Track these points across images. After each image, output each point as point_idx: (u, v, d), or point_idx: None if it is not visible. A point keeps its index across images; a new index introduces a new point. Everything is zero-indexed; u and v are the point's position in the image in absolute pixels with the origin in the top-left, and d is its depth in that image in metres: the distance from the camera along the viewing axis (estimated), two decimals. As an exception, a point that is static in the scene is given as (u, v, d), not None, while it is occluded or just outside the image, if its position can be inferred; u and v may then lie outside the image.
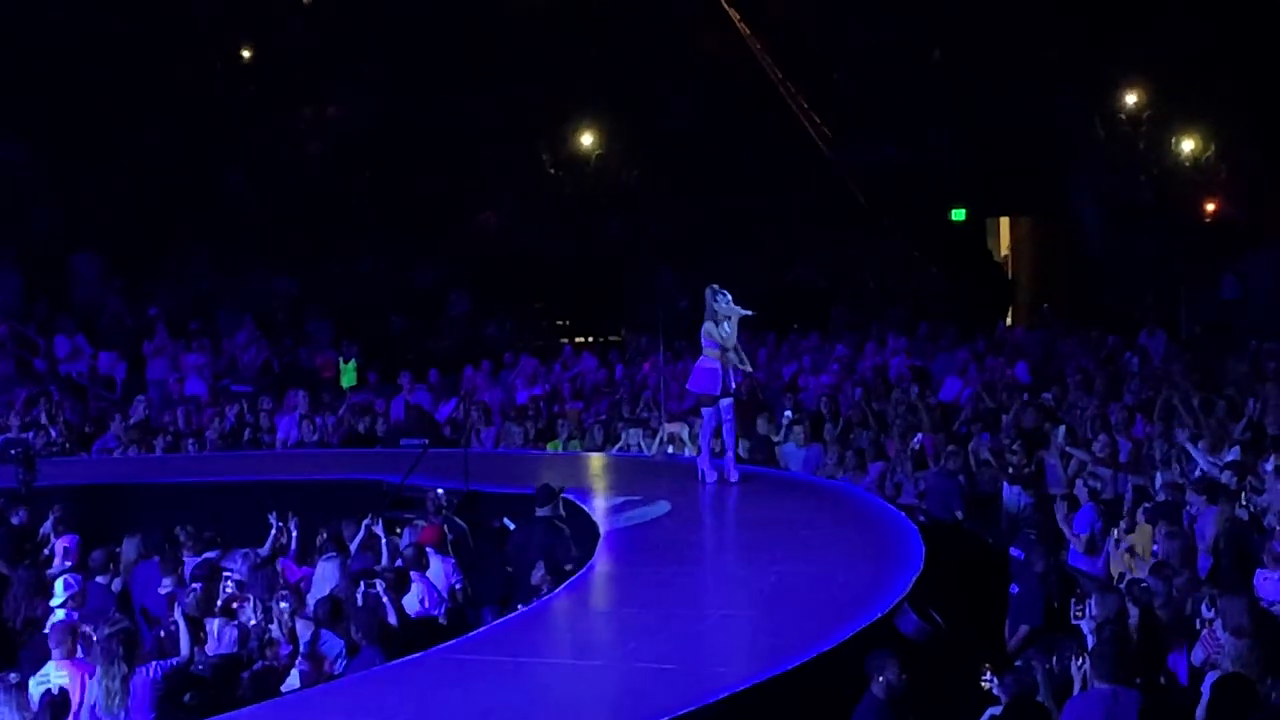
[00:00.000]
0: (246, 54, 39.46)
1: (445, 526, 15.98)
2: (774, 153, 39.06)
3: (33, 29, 33.82)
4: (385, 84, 38.17)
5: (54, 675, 12.31)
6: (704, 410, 17.35)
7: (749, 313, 17.10)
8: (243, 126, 36.96)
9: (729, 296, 16.96)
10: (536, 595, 14.30)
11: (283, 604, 13.78)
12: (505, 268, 37.00)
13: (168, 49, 37.92)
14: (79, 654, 12.52)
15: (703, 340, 17.11)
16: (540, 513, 15.84)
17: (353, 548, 16.09)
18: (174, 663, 12.24)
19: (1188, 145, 37.59)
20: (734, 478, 17.33)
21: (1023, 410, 21.46)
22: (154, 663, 12.00)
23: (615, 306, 35.99)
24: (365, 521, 16.42)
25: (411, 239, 36.45)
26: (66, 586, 14.42)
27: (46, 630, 13.12)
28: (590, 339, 35.24)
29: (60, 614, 14.01)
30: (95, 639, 12.41)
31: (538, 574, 14.77)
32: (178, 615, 12.78)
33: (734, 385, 17.33)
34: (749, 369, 18.22)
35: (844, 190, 40.15)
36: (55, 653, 12.52)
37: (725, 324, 16.89)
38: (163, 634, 13.48)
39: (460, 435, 23.00)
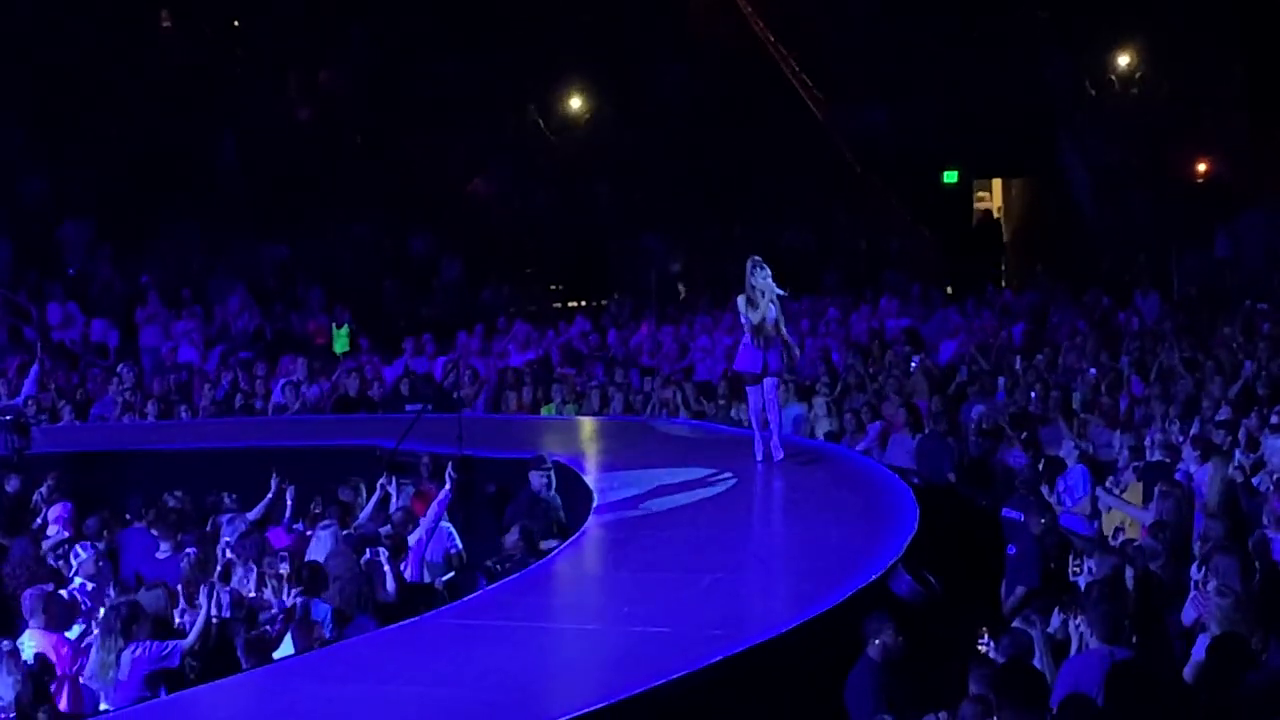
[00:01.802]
0: (236, 21, 39.32)
1: (450, 489, 15.92)
2: (765, 117, 38.99)
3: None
4: (376, 50, 38.07)
5: (28, 644, 12.29)
6: (747, 389, 16.73)
7: (783, 292, 16.46)
8: (232, 93, 36.85)
9: (769, 272, 16.08)
10: (510, 560, 14.42)
11: (283, 568, 13.79)
12: (497, 234, 36.95)
13: (156, 14, 37.87)
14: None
15: (742, 317, 16.37)
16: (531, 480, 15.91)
17: (368, 509, 16.18)
18: (172, 646, 11.99)
19: (1178, 105, 37.54)
20: (778, 456, 16.55)
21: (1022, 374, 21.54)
22: (150, 642, 11.88)
23: (607, 271, 35.92)
24: (380, 480, 16.51)
25: (402, 206, 36.37)
26: (76, 555, 14.41)
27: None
28: (583, 303, 35.20)
29: (78, 582, 13.96)
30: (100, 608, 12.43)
31: (511, 538, 14.83)
32: (202, 598, 12.36)
33: (775, 364, 16.40)
34: (796, 352, 17.30)
35: (836, 154, 40.11)
36: (31, 621, 12.50)
37: (761, 301, 16.07)
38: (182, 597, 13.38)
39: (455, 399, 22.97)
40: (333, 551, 14.10)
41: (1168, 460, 15.90)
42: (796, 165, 38.52)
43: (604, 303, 33.75)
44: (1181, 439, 16.75)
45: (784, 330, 16.42)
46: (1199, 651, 10.46)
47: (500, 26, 38.06)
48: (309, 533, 15.46)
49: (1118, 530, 15.01)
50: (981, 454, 18.71)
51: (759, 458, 16.60)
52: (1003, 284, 36.60)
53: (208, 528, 16.00)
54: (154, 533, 15.75)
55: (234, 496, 16.70)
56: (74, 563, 14.33)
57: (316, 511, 16.09)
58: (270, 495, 16.53)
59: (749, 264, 16.18)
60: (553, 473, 16.09)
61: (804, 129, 39.93)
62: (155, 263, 32.50)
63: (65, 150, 33.76)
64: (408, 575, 14.66)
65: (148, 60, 36.15)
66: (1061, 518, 15.21)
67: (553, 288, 37.23)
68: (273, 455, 18.70)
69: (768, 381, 16.36)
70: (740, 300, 16.19)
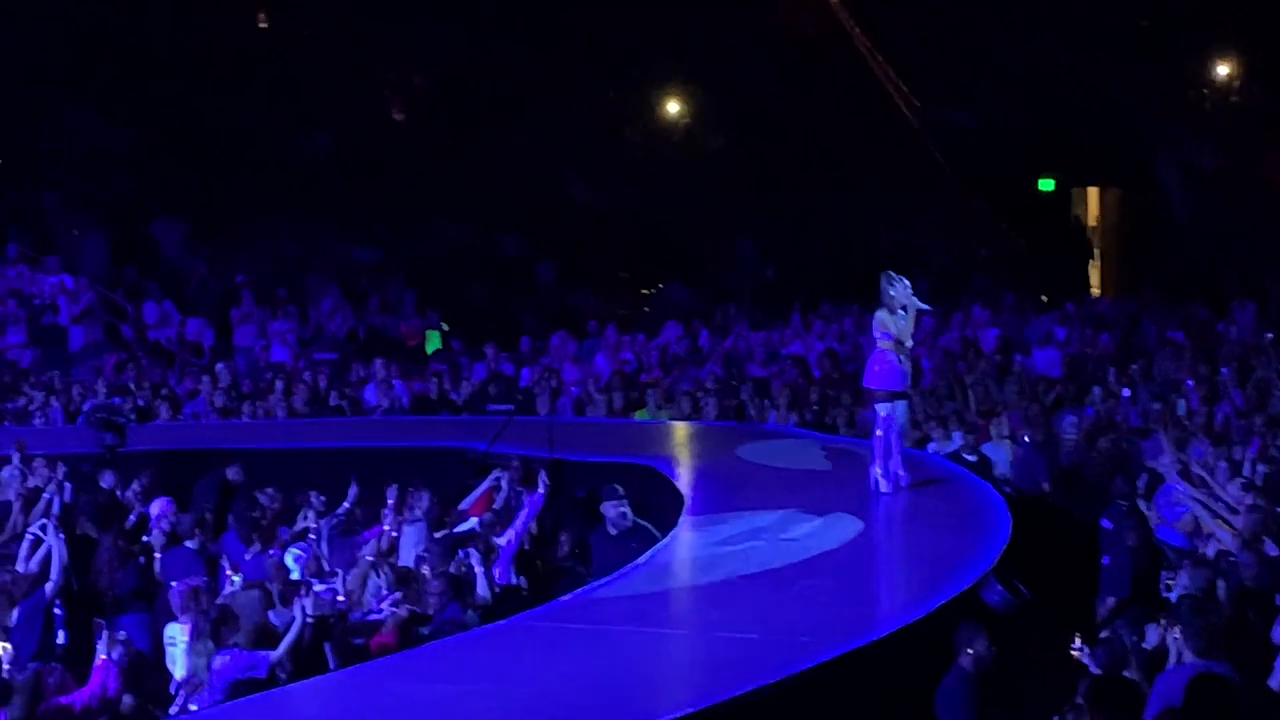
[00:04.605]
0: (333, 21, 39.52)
1: (544, 493, 16.08)
2: (858, 120, 38.87)
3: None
4: (469, 51, 38.14)
5: (179, 637, 12.38)
6: (879, 406, 15.68)
7: (927, 308, 16.19)
8: (327, 92, 37.02)
9: (907, 284, 15.50)
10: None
11: (374, 569, 13.94)
12: (590, 238, 36.98)
13: (253, 15, 38.14)
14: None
15: (875, 330, 15.60)
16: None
17: (469, 499, 16.37)
18: (261, 657, 11.97)
19: (1276, 113, 37.14)
20: (906, 481, 15.78)
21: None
22: (239, 650, 11.88)
23: (699, 275, 35.90)
24: (495, 473, 16.96)
25: (495, 207, 36.47)
26: (297, 560, 14.56)
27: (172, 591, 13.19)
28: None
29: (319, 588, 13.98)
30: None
31: (563, 548, 15.58)
32: (296, 609, 12.34)
33: (907, 383, 15.81)
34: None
35: (928, 159, 39.94)
36: (181, 616, 12.57)
37: (900, 314, 15.46)
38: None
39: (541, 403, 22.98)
40: (425, 552, 14.18)
41: (1271, 472, 15.72)
42: (888, 169, 38.39)
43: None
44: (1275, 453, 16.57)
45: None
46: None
47: (594, 28, 38.08)
48: (394, 532, 15.57)
49: (1209, 539, 14.83)
50: (1073, 463, 18.58)
51: (886, 490, 15.67)
52: (1097, 293, 36.35)
53: (295, 527, 16.14)
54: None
55: (322, 497, 16.76)
56: (295, 567, 14.47)
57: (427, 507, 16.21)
58: (348, 503, 16.54)
59: (882, 280, 15.58)
60: (628, 504, 15.26)
61: (897, 133, 39.79)
62: (249, 262, 32.70)
63: (162, 148, 34.03)
64: (497, 577, 14.71)
65: (245, 60, 36.38)
66: (1160, 531, 15.05)
67: (645, 291, 37.22)
68: (363, 456, 18.85)
69: (901, 404, 15.82)
70: (881, 315, 15.52)
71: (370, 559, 14.50)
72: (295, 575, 14.22)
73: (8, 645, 12.22)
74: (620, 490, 15.28)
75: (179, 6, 35.10)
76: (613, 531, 14.94)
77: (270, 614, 12.81)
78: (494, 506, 16.60)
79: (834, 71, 39.82)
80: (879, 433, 15.68)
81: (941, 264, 36.37)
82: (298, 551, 14.79)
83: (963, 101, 38.93)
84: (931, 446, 19.21)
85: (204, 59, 35.20)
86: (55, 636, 13.71)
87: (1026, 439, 18.79)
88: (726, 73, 38.96)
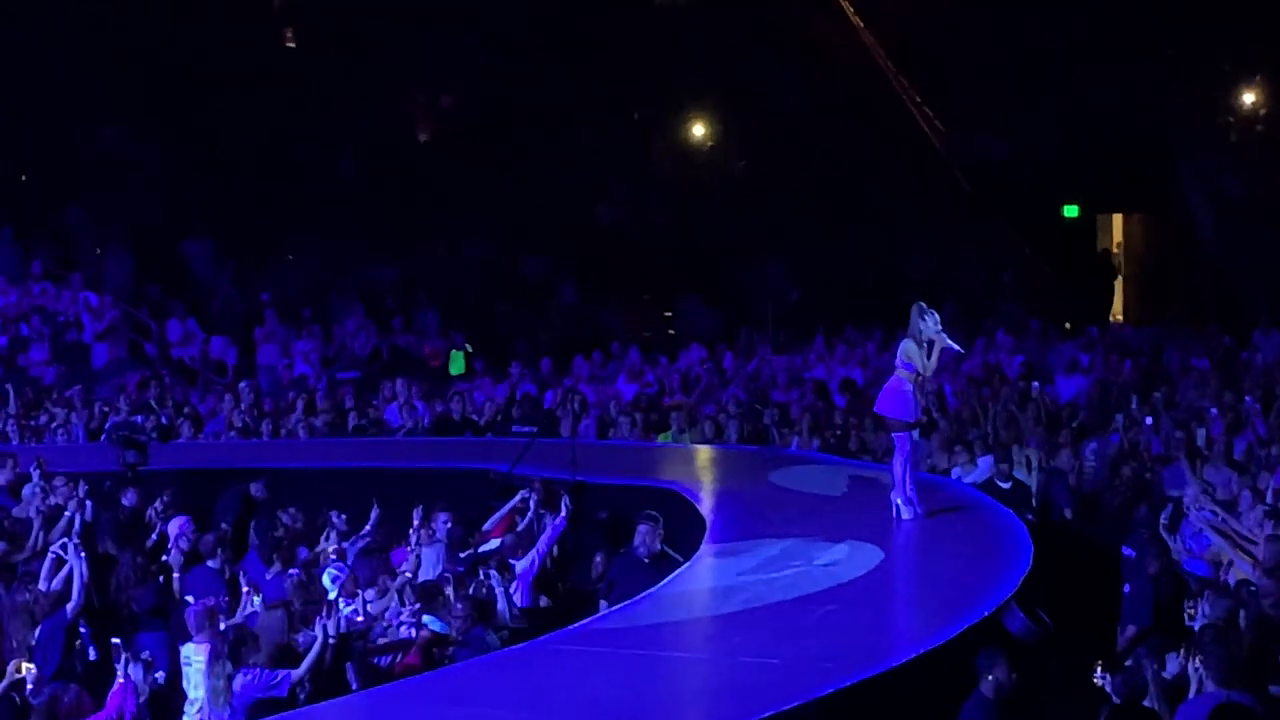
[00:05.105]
0: (359, 41, 39.60)
1: (565, 516, 16.13)
2: (885, 145, 38.86)
3: (138, 13, 34.14)
4: (494, 72, 38.21)
5: (194, 657, 12.39)
6: (897, 436, 15.57)
7: (956, 347, 15.95)
8: (352, 111, 37.09)
9: (937, 318, 15.32)
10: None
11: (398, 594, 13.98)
12: (614, 258, 36.97)
13: (279, 34, 38.22)
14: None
15: (899, 360, 15.41)
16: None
17: (493, 520, 16.52)
18: (283, 676, 11.99)
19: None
20: (921, 510, 15.65)
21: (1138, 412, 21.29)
22: (260, 669, 11.87)
23: (724, 298, 35.88)
24: (522, 493, 17.07)
25: (519, 227, 36.48)
26: (334, 580, 14.58)
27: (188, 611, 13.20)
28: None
29: (347, 609, 14.00)
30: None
31: (597, 568, 15.53)
32: (318, 628, 12.36)
33: (921, 414, 15.82)
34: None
35: (954, 184, 39.90)
36: (197, 636, 12.56)
37: (928, 348, 15.28)
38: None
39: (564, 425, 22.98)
40: (447, 573, 14.19)
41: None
42: (914, 194, 38.37)
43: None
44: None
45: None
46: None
47: (620, 48, 38.11)
48: (416, 551, 15.59)
49: (1230, 567, 14.79)
50: (1095, 489, 18.53)
51: (906, 516, 15.56)
52: (1120, 319, 36.29)
53: (318, 547, 16.18)
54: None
55: (343, 515, 16.79)
56: (333, 587, 14.49)
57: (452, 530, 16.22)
58: (370, 524, 16.61)
59: (914, 311, 15.41)
60: (660, 527, 15.21)
61: (923, 158, 39.77)
62: (273, 281, 32.74)
63: (184, 167, 34.09)
64: (517, 599, 14.71)
65: (271, 79, 36.45)
66: (1186, 562, 15.00)
67: (667, 314, 37.18)
68: (386, 476, 18.87)
69: (915, 431, 15.79)
70: (908, 345, 15.35)
71: (408, 574, 14.55)
72: (332, 595, 14.23)
73: (31, 666, 12.23)
74: (658, 516, 15.25)
75: (206, 24, 35.16)
76: (645, 560, 14.95)
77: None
78: (517, 528, 16.62)
79: (860, 95, 39.80)
80: (898, 459, 15.64)
81: (966, 289, 36.31)
82: (334, 571, 14.79)
83: (988, 127, 38.88)
84: (955, 472, 19.19)
85: (229, 77, 35.25)
86: (79, 655, 13.74)
87: (1048, 466, 18.77)
88: (752, 94, 38.95)
